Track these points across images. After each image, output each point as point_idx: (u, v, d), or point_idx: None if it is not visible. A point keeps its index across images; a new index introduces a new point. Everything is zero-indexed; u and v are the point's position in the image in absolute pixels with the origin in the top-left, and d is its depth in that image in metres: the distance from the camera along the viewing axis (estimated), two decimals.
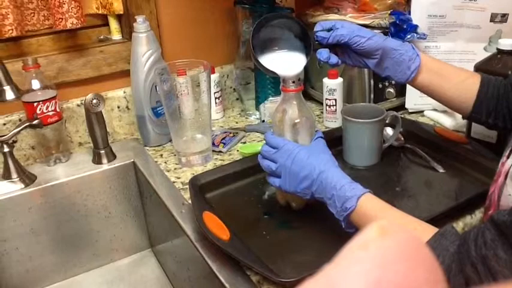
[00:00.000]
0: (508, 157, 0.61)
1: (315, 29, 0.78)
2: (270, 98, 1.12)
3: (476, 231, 0.49)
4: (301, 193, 0.70)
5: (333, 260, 0.22)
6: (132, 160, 1.04)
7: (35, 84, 0.95)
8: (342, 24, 0.77)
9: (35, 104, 0.94)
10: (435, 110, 1.10)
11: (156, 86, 1.01)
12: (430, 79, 0.79)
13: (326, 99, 1.09)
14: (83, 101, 0.99)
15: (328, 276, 0.21)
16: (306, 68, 1.20)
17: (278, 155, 0.72)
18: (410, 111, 1.14)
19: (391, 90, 1.11)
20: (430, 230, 0.56)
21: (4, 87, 0.86)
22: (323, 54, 0.76)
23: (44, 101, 0.95)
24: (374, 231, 0.22)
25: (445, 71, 0.79)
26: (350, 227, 0.65)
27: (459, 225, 0.75)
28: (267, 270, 0.64)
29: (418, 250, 0.22)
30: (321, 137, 0.74)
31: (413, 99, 1.11)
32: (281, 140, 0.73)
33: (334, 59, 0.77)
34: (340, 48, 0.78)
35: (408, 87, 1.09)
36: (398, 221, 0.60)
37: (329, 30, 0.77)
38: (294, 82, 0.73)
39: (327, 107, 1.09)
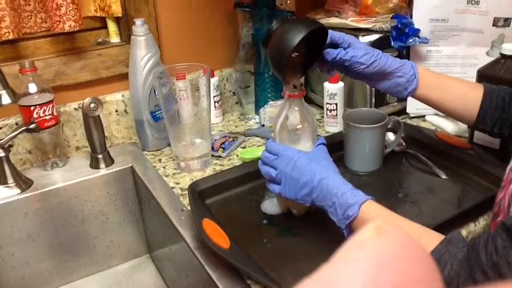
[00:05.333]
0: None
1: None
2: (270, 102, 1.11)
3: (487, 238, 0.48)
4: (301, 200, 0.69)
5: (329, 260, 0.22)
6: (130, 165, 1.03)
7: (32, 87, 0.93)
8: (350, 42, 0.77)
9: (32, 107, 0.93)
10: (437, 114, 1.09)
11: (155, 90, 1.00)
12: (429, 94, 0.80)
13: (327, 103, 1.08)
14: (81, 105, 0.98)
15: (325, 275, 0.21)
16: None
17: (278, 161, 0.71)
18: (411, 115, 1.13)
19: None
20: (436, 237, 0.55)
21: (0, 91, 0.85)
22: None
23: (41, 105, 0.94)
24: (370, 231, 0.22)
25: (445, 85, 0.80)
26: (352, 235, 0.64)
27: (463, 233, 0.74)
28: (268, 279, 0.63)
29: (414, 249, 0.22)
30: (323, 144, 0.73)
31: (415, 103, 1.10)
32: (281, 146, 0.72)
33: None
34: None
35: None
36: (403, 227, 0.59)
37: (334, 44, 0.77)
38: (295, 87, 0.72)
39: (328, 111, 1.08)
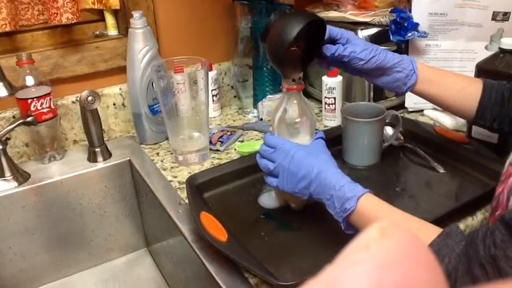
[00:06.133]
0: None
1: None
2: (268, 96, 1.11)
3: (485, 231, 0.48)
4: (299, 193, 0.69)
5: (333, 261, 0.22)
6: (128, 158, 1.02)
7: (29, 80, 0.93)
8: (348, 38, 0.76)
9: (29, 100, 0.93)
10: (435, 109, 1.09)
11: (152, 83, 0.99)
12: (428, 89, 0.80)
13: (325, 97, 1.07)
14: (78, 98, 0.98)
15: (330, 277, 0.21)
16: None
17: (276, 154, 0.71)
18: (410, 110, 1.13)
19: None
20: (434, 231, 0.55)
21: None
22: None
23: (38, 98, 0.93)
24: (375, 232, 0.22)
25: (443, 80, 0.80)
26: (349, 228, 0.64)
27: (460, 227, 0.74)
28: (266, 272, 0.63)
29: (418, 250, 0.22)
30: (321, 138, 0.73)
31: (413, 98, 1.09)
32: (280, 140, 0.72)
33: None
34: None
35: None
36: (401, 222, 0.59)
37: (332, 40, 0.76)
38: (294, 81, 0.72)
39: (326, 105, 1.08)
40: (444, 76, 0.80)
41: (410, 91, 0.80)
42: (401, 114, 1.00)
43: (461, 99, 0.79)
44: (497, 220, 0.47)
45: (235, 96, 1.26)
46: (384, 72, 0.78)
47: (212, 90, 1.14)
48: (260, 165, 0.74)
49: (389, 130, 0.97)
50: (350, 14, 1.08)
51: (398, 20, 1.03)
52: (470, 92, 0.78)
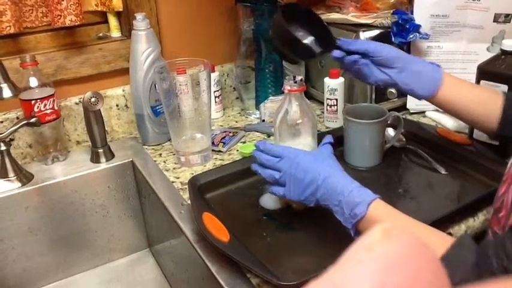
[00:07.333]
0: None
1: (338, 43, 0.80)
2: (271, 98, 1.11)
3: (496, 242, 0.47)
4: (305, 201, 0.68)
5: (337, 262, 0.22)
6: (131, 159, 1.03)
7: (33, 81, 0.94)
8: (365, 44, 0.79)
9: (33, 102, 0.93)
10: (437, 110, 1.09)
11: (155, 85, 1.00)
12: (453, 94, 0.77)
13: (327, 99, 1.08)
14: (82, 99, 0.98)
15: (333, 278, 0.21)
16: (307, 67, 1.20)
17: (282, 163, 0.69)
18: (411, 111, 1.13)
19: (393, 90, 1.10)
20: (444, 238, 0.55)
21: (1, 85, 0.86)
22: (335, 53, 0.79)
23: (42, 99, 0.94)
24: (378, 233, 0.22)
25: (466, 87, 0.78)
26: (358, 235, 0.63)
27: (462, 228, 0.75)
28: (267, 273, 0.63)
29: (422, 252, 0.22)
30: (329, 143, 0.72)
31: (415, 99, 1.10)
32: (282, 148, 0.71)
33: (337, 53, 0.79)
34: (358, 66, 0.79)
35: None
36: (411, 229, 0.59)
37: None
38: (296, 82, 0.73)
39: (328, 106, 1.08)
40: (466, 82, 0.78)
41: (436, 97, 0.78)
42: (403, 116, 1.00)
43: (485, 109, 0.76)
44: (508, 230, 0.47)
45: (237, 98, 1.26)
46: (407, 64, 0.78)
47: (214, 91, 1.15)
48: (263, 175, 0.73)
49: (391, 131, 0.97)
50: (352, 16, 1.08)
51: (400, 21, 1.04)
52: (492, 100, 0.76)
